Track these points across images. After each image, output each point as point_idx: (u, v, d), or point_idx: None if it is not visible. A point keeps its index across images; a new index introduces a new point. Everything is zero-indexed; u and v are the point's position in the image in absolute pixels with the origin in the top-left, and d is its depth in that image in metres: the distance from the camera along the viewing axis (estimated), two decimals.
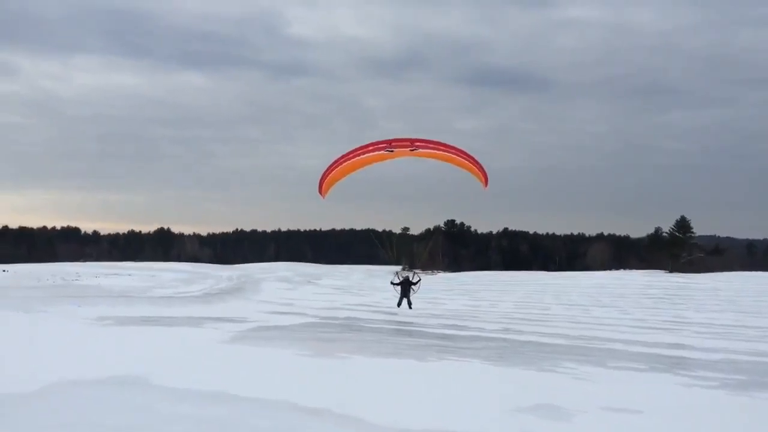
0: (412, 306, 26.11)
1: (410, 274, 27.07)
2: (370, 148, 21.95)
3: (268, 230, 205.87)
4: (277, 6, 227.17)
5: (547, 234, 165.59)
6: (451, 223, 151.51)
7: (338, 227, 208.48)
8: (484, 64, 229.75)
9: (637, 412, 7.75)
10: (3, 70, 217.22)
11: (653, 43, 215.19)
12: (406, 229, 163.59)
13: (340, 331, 16.17)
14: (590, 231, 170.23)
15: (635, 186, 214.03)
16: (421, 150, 21.83)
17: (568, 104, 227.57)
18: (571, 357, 12.69)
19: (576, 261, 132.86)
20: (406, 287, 26.19)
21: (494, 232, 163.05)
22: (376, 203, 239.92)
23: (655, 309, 28.98)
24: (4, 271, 67.38)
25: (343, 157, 22.51)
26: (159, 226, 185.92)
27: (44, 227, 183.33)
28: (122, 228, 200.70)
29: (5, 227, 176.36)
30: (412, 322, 21.54)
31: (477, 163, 22.21)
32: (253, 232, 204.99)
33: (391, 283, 26.95)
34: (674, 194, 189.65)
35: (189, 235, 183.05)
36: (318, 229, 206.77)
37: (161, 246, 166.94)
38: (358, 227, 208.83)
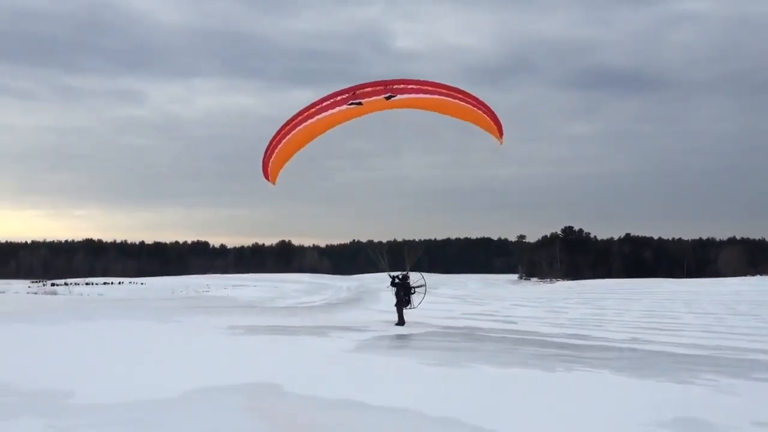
0: (404, 322, 20.40)
1: (409, 276, 21.14)
2: (326, 103, 16.70)
3: (384, 240, 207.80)
4: (383, 21, 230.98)
5: (673, 239, 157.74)
6: (569, 230, 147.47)
7: (453, 236, 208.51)
8: (594, 65, 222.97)
9: None
10: (132, 97, 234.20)
11: None
12: (521, 237, 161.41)
13: (463, 340, 16.06)
14: (721, 235, 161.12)
15: None
16: (400, 97, 16.39)
17: (688, 103, 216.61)
18: (710, 368, 11.94)
19: (706, 267, 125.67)
20: (402, 294, 20.69)
21: (615, 238, 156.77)
22: (491, 212, 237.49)
23: None
24: (142, 284, 72.02)
25: (294, 119, 17.20)
26: (281, 239, 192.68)
27: (176, 242, 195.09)
28: (247, 241, 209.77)
29: (142, 243, 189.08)
30: (533, 331, 21.08)
31: (483, 105, 17.05)
32: (370, 242, 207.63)
33: (392, 284, 21.11)
34: None
35: (309, 247, 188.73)
36: (433, 238, 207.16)
37: (283, 258, 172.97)
38: (473, 236, 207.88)
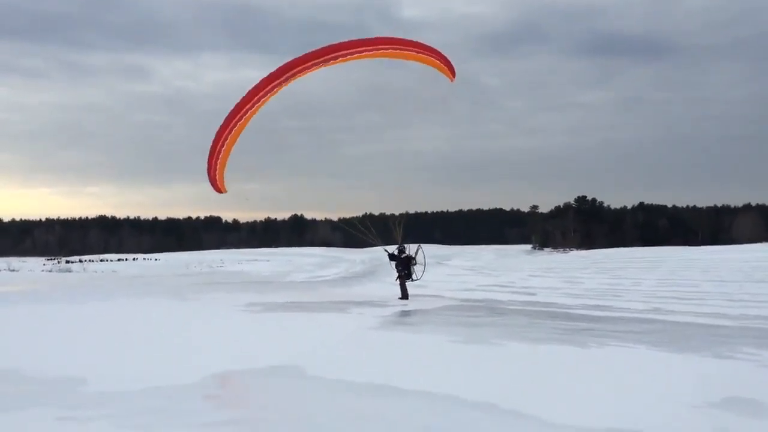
0: (408, 296, 19.99)
1: (408, 249, 20.58)
2: (262, 93, 17.04)
3: (396, 213, 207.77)
4: None
5: (688, 207, 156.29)
6: (582, 200, 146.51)
7: (465, 208, 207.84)
8: (605, 32, 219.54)
9: None
10: (140, 73, 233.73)
11: None
12: (534, 207, 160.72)
13: (485, 315, 15.64)
14: (736, 202, 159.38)
15: None
16: (340, 59, 16.54)
17: (703, 69, 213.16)
18: (747, 340, 11.47)
19: (721, 234, 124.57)
20: (401, 268, 20.29)
21: (629, 206, 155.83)
22: (503, 182, 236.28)
23: None
24: (156, 260, 72.13)
25: (233, 118, 17.39)
26: (293, 213, 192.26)
27: (189, 218, 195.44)
28: (259, 216, 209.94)
29: (155, 219, 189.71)
30: (553, 303, 20.77)
31: (428, 50, 17.41)
32: (382, 215, 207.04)
33: (391, 257, 20.65)
34: None
35: (321, 220, 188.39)
36: (445, 210, 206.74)
37: (296, 232, 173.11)
38: (485, 207, 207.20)
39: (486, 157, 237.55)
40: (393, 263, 20.75)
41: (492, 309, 17.68)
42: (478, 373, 8.14)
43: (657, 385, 7.58)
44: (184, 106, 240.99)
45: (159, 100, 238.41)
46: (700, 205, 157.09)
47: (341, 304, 17.70)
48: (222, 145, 17.47)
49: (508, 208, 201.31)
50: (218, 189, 18.31)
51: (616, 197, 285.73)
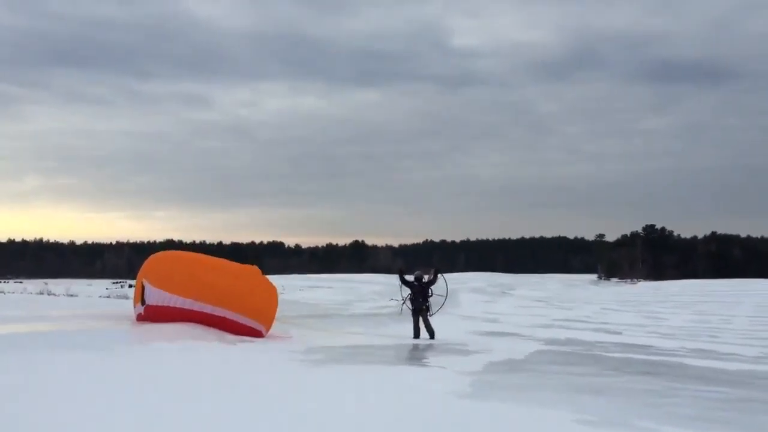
0: (434, 335, 17.68)
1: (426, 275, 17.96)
2: None
3: (458, 240, 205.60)
4: (441, 19, 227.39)
5: (763, 237, 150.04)
6: (650, 228, 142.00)
7: (527, 235, 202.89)
8: (666, 57, 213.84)
9: None
10: (202, 102, 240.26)
11: None
12: (600, 236, 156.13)
13: (596, 369, 12.53)
14: None
15: None
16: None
17: None
18: None
19: None
20: (420, 300, 17.51)
21: (700, 236, 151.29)
22: (566, 209, 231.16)
23: None
24: None
25: None
26: (354, 239, 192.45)
27: (252, 242, 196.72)
28: (321, 241, 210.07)
29: (220, 243, 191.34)
30: (648, 346, 18.21)
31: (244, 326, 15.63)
32: (443, 242, 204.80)
33: (403, 283, 18.02)
34: None
35: (382, 246, 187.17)
36: (507, 237, 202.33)
37: (356, 257, 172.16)
38: (548, 235, 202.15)
39: (547, 184, 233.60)
40: (405, 291, 18.05)
41: (591, 358, 14.92)
42: None
43: None
44: (244, 133, 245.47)
45: (221, 127, 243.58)
46: None
47: (414, 351, 15.15)
48: None
49: (571, 236, 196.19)
50: None
51: (686, 226, 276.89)
